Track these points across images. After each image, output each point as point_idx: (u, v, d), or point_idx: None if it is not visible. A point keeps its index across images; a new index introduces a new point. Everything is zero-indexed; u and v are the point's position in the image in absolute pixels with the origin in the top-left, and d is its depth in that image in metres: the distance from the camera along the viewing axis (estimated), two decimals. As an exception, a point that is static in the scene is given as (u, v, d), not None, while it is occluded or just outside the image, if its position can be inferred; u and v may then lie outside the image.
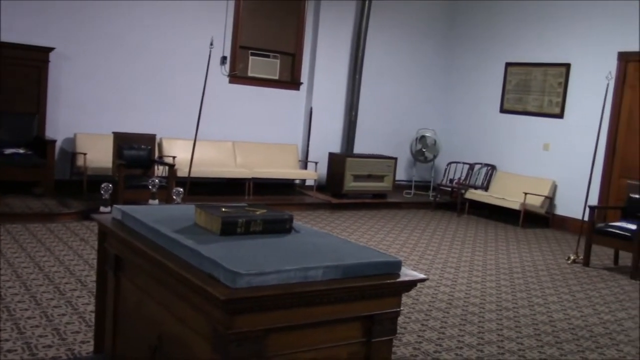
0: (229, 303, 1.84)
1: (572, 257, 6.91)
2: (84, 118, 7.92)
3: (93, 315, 3.62)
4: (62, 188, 7.54)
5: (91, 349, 3.40)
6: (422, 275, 2.27)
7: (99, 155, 7.55)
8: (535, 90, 9.50)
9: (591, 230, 6.72)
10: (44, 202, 6.99)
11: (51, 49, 7.46)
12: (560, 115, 9.16)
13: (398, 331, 4.05)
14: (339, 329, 2.11)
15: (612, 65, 8.36)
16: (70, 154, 7.80)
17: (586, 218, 6.85)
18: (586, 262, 6.77)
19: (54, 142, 7.32)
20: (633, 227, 6.43)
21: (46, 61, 7.46)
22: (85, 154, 7.47)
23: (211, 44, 6.88)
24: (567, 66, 9.07)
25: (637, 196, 6.84)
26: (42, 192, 7.25)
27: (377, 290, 2.14)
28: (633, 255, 6.41)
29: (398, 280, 2.19)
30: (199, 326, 2.05)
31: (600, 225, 6.88)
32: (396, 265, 2.23)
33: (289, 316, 1.98)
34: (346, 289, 2.06)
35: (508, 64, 9.88)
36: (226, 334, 1.87)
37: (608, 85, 7.32)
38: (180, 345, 2.20)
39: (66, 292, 4.44)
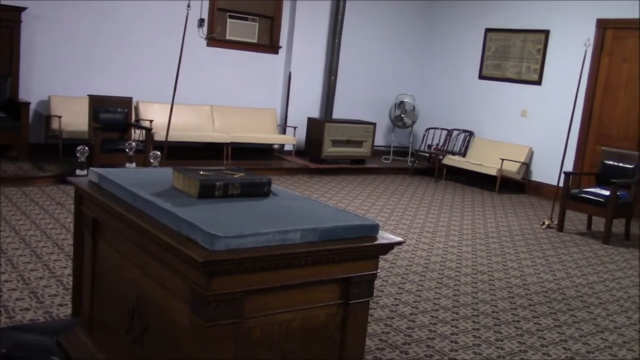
0: (207, 265, 1.84)
1: (546, 223, 7.02)
2: (59, 80, 7.78)
3: (71, 278, 3.61)
4: (37, 151, 7.45)
5: (69, 311, 3.41)
6: (399, 238, 2.29)
7: (74, 118, 7.43)
8: (514, 56, 9.51)
9: (565, 196, 6.82)
10: (18, 165, 6.90)
11: (23, 9, 7.28)
12: (538, 82, 9.20)
13: (375, 294, 4.11)
14: (317, 291, 2.13)
15: (590, 33, 8.39)
16: (45, 116, 7.67)
17: (561, 184, 6.94)
18: (560, 228, 6.89)
19: (27, 104, 7.19)
20: (606, 193, 6.54)
21: (18, 21, 7.27)
22: (60, 117, 7.36)
23: (188, 6, 6.75)
24: (546, 33, 9.08)
25: (611, 162, 6.94)
26: (16, 156, 7.15)
27: (354, 252, 2.16)
28: (606, 220, 6.54)
29: (375, 243, 2.21)
30: (177, 288, 2.06)
31: (575, 191, 6.99)
32: (373, 229, 2.25)
33: (267, 278, 1.99)
34: (324, 251, 2.07)
35: (488, 30, 9.87)
36: (204, 296, 1.88)
37: (586, 52, 7.35)
38: (158, 307, 2.21)
39: (43, 256, 4.42)
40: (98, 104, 7.12)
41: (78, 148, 6.59)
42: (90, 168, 2.78)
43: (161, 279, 2.17)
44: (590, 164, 8.53)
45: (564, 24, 8.86)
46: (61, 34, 7.76)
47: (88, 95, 7.21)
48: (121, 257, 2.48)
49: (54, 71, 7.77)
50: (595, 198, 6.63)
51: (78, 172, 6.48)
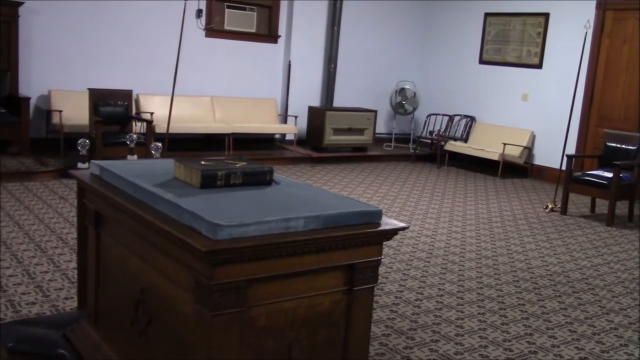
0: (210, 254, 1.84)
1: (550, 206, 7.01)
2: (58, 74, 7.76)
3: (75, 272, 3.62)
4: (39, 146, 7.44)
5: (75, 305, 3.42)
6: (402, 224, 2.28)
7: (75, 112, 7.42)
8: (514, 40, 9.46)
9: (568, 179, 6.80)
10: (20, 160, 6.90)
11: (20, 3, 7.25)
12: (539, 66, 9.15)
13: (380, 281, 4.11)
14: (321, 278, 2.13)
15: (590, 14, 8.34)
16: (45, 111, 7.66)
17: (564, 167, 6.92)
18: (564, 211, 6.88)
19: (27, 99, 7.18)
20: (609, 175, 6.53)
21: (16, 16, 7.25)
22: (60, 111, 7.34)
23: (186, -4, 6.73)
24: (546, 16, 9.03)
25: (613, 144, 6.92)
26: (18, 151, 7.15)
27: (358, 239, 2.15)
28: (609, 202, 6.52)
29: (378, 229, 2.20)
30: (181, 278, 2.06)
31: (578, 174, 6.97)
32: (377, 215, 2.24)
33: (271, 266, 1.99)
34: (327, 238, 2.07)
35: (487, 14, 9.81)
36: (208, 285, 1.88)
37: (586, 34, 7.31)
38: (163, 298, 2.21)
39: (48, 250, 4.43)
40: (98, 98, 7.11)
41: (79, 141, 6.59)
42: (92, 161, 2.78)
43: (165, 270, 2.17)
44: (592, 146, 8.51)
45: (564, 6, 8.80)
46: (59, 27, 7.74)
47: (88, 88, 7.20)
48: (125, 249, 2.48)
49: (53, 65, 7.75)
50: (598, 180, 6.61)
51: (80, 165, 6.49)
